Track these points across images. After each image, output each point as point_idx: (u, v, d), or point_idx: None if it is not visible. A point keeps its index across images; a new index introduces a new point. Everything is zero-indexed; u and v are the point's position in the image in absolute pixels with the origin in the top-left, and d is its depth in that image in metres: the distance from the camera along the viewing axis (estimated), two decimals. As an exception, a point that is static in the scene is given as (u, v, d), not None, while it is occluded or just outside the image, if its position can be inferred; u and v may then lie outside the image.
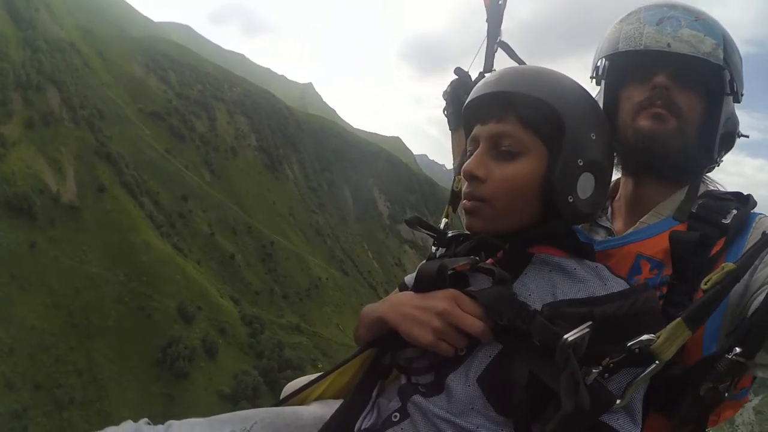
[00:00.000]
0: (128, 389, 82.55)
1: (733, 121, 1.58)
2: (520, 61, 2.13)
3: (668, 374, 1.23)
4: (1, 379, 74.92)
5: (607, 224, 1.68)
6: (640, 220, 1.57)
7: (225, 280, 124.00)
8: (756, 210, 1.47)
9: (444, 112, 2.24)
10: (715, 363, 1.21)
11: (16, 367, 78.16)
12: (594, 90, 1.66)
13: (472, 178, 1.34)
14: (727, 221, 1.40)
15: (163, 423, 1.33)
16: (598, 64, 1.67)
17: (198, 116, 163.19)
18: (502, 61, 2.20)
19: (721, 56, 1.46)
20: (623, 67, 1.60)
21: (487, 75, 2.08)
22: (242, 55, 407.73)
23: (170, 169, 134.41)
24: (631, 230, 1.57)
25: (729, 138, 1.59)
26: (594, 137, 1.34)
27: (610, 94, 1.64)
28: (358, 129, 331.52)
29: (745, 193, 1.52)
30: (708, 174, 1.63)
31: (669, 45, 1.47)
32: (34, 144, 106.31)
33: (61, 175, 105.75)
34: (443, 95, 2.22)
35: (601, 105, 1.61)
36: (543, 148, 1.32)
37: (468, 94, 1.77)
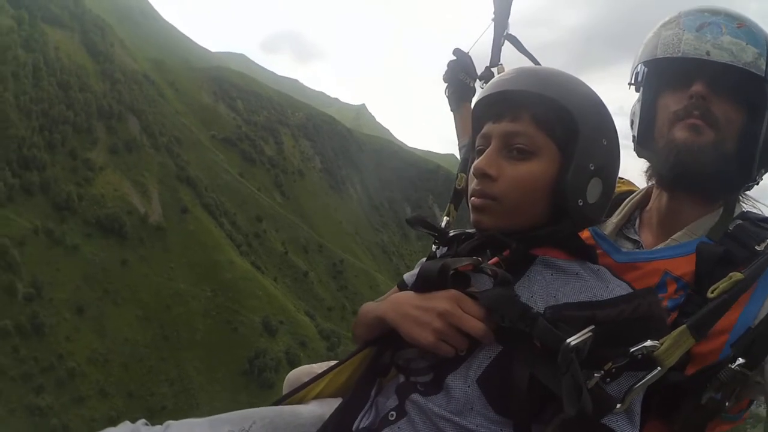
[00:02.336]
0: (217, 398, 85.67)
1: None
2: (528, 54, 2.13)
3: (670, 380, 1.22)
4: (96, 386, 79.46)
5: (635, 237, 1.62)
6: (672, 237, 1.52)
7: (300, 297, 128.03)
8: None
9: (445, 93, 2.27)
10: (718, 372, 1.21)
11: (110, 376, 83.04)
12: (633, 97, 1.64)
13: (483, 176, 1.32)
14: (760, 248, 1.35)
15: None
16: (637, 70, 1.62)
17: (266, 141, 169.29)
18: (510, 57, 2.20)
19: (764, 67, 1.39)
20: (661, 74, 1.55)
21: (495, 71, 2.16)
22: (296, 81, 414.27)
23: (244, 191, 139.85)
24: (661, 246, 1.52)
25: None
26: (605, 143, 1.34)
27: (648, 102, 1.58)
28: (414, 147, 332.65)
29: None
30: (746, 192, 1.57)
31: (708, 53, 1.40)
32: (120, 169, 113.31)
33: (147, 197, 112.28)
34: (443, 77, 2.25)
35: (638, 113, 1.60)
36: (556, 149, 1.31)
37: (467, 74, 1.75)
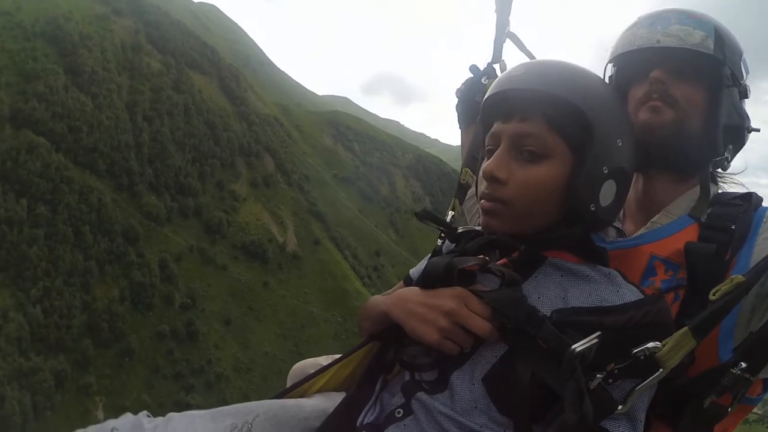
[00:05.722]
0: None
1: (740, 114, 1.54)
2: (528, 53, 2.10)
3: (672, 384, 1.21)
4: (239, 392, 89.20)
5: (618, 224, 1.65)
6: (652, 220, 1.54)
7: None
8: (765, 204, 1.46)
9: (456, 108, 2.25)
10: (720, 376, 1.20)
11: (251, 384, 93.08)
12: None
13: (492, 179, 1.27)
14: (734, 227, 1.38)
15: None
16: (609, 73, 1.68)
17: (381, 181, 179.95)
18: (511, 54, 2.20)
19: (711, 47, 1.46)
20: (624, 69, 1.63)
21: (497, 67, 2.14)
22: (397, 122, 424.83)
23: (363, 227, 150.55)
24: (642, 230, 1.54)
25: (735, 132, 1.54)
26: (620, 143, 1.29)
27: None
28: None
29: (750, 192, 1.51)
30: (720, 170, 1.60)
31: (658, 41, 1.50)
32: (260, 200, 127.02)
33: (283, 228, 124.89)
34: (456, 92, 2.22)
35: None
36: (568, 152, 1.25)
37: (481, 95, 1.83)
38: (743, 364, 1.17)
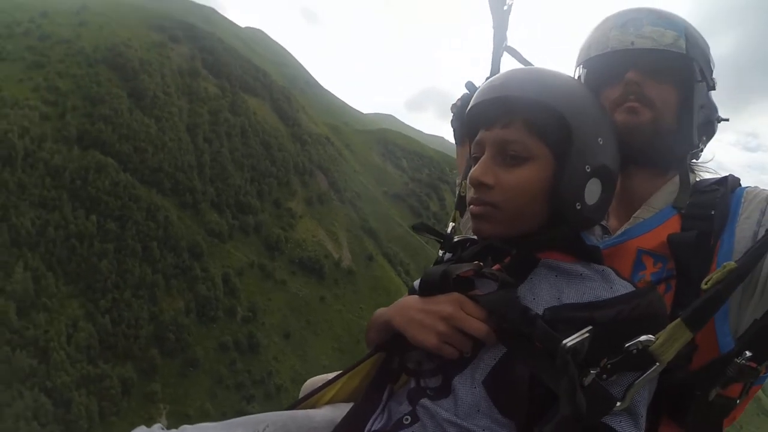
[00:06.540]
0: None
1: (710, 107, 1.60)
2: (527, 65, 2.05)
3: (673, 378, 1.20)
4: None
5: (603, 222, 1.66)
6: (634, 215, 1.56)
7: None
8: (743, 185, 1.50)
9: (452, 124, 2.24)
10: (725, 367, 1.16)
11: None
12: None
13: (479, 185, 1.30)
14: (714, 212, 1.41)
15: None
16: (579, 73, 1.69)
17: (430, 197, 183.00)
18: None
19: (684, 46, 1.50)
20: (597, 71, 1.63)
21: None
22: (442, 137, 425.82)
23: (414, 243, 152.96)
24: (626, 226, 1.56)
25: (708, 124, 1.60)
26: (601, 142, 1.31)
27: None
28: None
29: (725, 175, 1.55)
30: (695, 160, 1.63)
31: (633, 43, 1.52)
32: (315, 218, 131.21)
33: (338, 244, 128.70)
34: (451, 108, 2.21)
35: None
36: (549, 154, 1.28)
37: None
38: (748, 353, 1.14)
